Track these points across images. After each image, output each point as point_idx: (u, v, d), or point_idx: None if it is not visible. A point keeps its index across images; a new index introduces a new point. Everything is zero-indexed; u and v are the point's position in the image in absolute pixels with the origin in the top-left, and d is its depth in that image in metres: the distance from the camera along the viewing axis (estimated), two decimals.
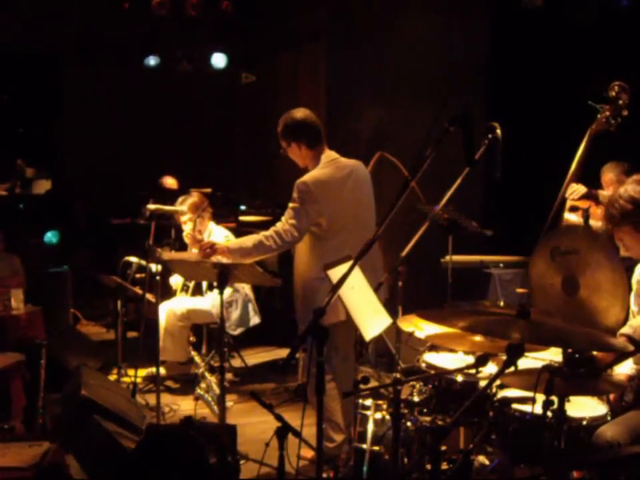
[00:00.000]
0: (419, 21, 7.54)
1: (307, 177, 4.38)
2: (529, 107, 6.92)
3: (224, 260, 4.40)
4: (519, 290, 5.04)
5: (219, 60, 9.28)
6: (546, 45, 6.78)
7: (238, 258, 4.32)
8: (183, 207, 5.89)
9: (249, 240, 4.38)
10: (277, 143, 4.58)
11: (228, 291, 6.07)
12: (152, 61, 9.33)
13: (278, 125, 4.53)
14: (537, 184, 6.54)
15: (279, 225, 4.32)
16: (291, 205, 4.34)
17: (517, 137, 4.84)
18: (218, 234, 6.13)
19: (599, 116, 4.60)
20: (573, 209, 4.69)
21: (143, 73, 9.51)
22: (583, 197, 4.56)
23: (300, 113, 4.51)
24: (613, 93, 4.57)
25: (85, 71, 9.78)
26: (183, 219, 5.99)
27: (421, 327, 3.82)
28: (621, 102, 4.55)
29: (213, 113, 10.29)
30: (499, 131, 3.17)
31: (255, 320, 6.32)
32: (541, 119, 6.80)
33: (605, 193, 4.63)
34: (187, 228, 6.00)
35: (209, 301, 6.14)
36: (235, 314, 6.16)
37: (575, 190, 4.55)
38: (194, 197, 6.12)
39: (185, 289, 6.38)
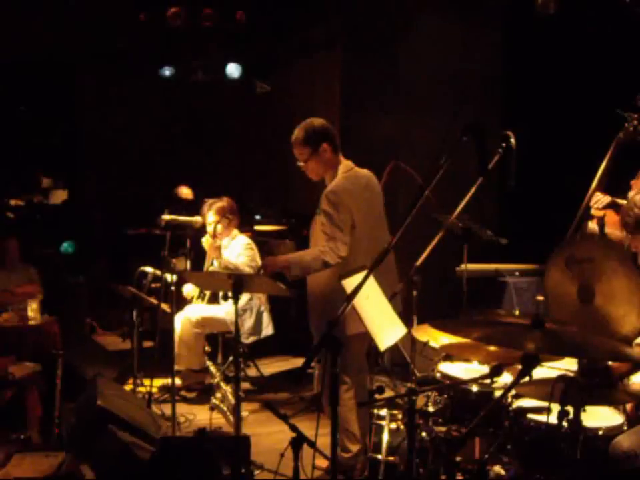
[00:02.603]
0: (433, 29, 7.54)
1: (334, 187, 4.24)
2: (543, 115, 6.89)
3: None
4: (539, 297, 4.98)
5: (233, 70, 9.30)
6: (559, 53, 6.76)
7: (298, 271, 4.18)
8: (198, 217, 5.89)
9: (306, 254, 4.24)
10: (292, 153, 4.40)
11: (244, 298, 6.08)
12: (167, 71, 9.37)
13: (296, 134, 4.34)
14: (552, 192, 6.52)
15: (326, 242, 4.13)
16: (326, 218, 4.16)
17: (532, 146, 4.80)
18: (239, 241, 6.17)
19: (626, 125, 4.42)
20: (593, 218, 4.60)
21: (158, 83, 9.55)
22: (607, 207, 4.47)
23: (320, 120, 4.38)
24: None
25: (100, 82, 9.85)
26: (209, 220, 6.00)
27: (436, 337, 3.81)
28: None
29: (228, 123, 10.30)
30: (512, 140, 3.16)
31: (268, 330, 6.30)
32: (555, 127, 6.76)
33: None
34: (210, 229, 5.99)
35: (224, 310, 6.14)
36: (249, 322, 6.16)
37: (599, 199, 4.46)
38: (223, 201, 6.14)
39: (201, 296, 6.39)
